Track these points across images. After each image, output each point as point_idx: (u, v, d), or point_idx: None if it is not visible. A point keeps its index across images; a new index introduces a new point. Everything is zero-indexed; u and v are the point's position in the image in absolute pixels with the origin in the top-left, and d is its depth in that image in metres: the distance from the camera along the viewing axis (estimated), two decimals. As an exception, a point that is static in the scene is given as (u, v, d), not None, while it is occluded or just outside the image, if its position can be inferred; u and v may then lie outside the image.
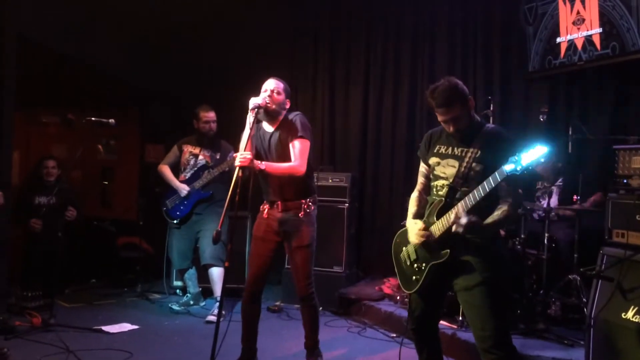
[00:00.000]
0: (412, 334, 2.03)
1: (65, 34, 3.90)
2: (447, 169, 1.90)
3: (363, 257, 4.27)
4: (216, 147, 3.55)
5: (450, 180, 1.87)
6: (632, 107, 3.23)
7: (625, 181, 2.22)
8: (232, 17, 4.24)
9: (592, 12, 3.16)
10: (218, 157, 3.52)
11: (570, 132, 2.94)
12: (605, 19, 3.08)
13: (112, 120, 3.21)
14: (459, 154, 1.88)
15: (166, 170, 3.55)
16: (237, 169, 2.19)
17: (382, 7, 4.36)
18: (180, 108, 4.31)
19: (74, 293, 3.92)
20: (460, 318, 2.80)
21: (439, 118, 1.88)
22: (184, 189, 3.44)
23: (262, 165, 2.30)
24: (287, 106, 2.45)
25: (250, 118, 2.29)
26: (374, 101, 4.37)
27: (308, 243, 2.41)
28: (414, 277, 1.94)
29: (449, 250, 1.82)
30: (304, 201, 2.41)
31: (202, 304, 3.65)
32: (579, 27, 3.24)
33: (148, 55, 4.31)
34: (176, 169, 3.58)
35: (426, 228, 1.87)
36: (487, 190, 1.71)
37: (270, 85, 2.40)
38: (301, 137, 2.36)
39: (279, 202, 2.41)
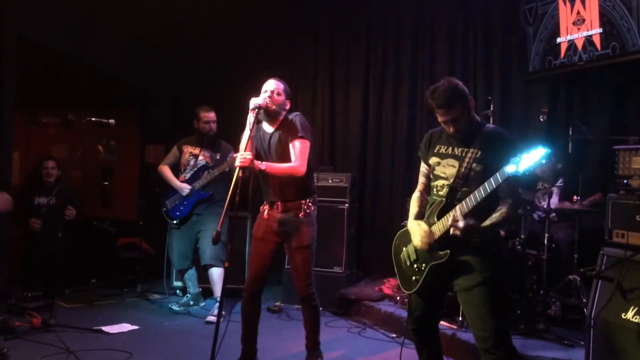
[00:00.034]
0: (412, 334, 2.03)
1: (65, 34, 3.90)
2: (447, 169, 1.90)
3: (363, 257, 4.27)
4: (216, 147, 3.55)
5: (451, 180, 1.87)
6: (632, 108, 3.23)
7: (625, 181, 2.22)
8: (232, 17, 4.24)
9: (592, 12, 3.16)
10: (218, 157, 3.52)
11: (570, 133, 2.94)
12: (605, 19, 3.08)
13: (112, 121, 3.21)
14: (459, 154, 1.88)
15: (166, 171, 3.55)
16: (238, 169, 2.19)
17: (382, 7, 4.36)
18: (180, 108, 4.31)
19: (74, 293, 3.92)
20: (460, 318, 2.80)
21: (439, 119, 1.88)
22: (185, 188, 3.44)
23: (263, 165, 2.30)
24: (287, 107, 2.46)
25: (250, 118, 2.29)
26: (374, 101, 4.37)
27: (308, 243, 2.41)
28: (413, 278, 1.94)
29: (448, 251, 1.82)
30: (303, 202, 2.41)
31: (202, 304, 3.65)
32: (579, 27, 3.24)
33: (148, 55, 4.31)
34: (176, 170, 3.58)
35: (430, 231, 1.87)
36: (488, 191, 1.71)
37: (271, 85, 2.40)
38: (301, 137, 2.36)
39: (279, 203, 2.41)
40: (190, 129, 3.61)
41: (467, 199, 1.76)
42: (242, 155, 2.23)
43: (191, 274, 3.63)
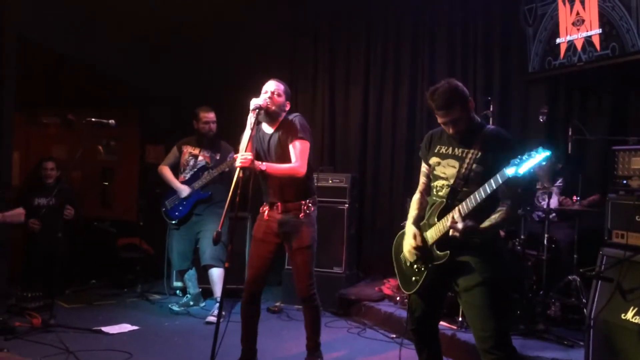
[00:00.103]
0: (412, 334, 2.03)
1: (65, 34, 3.90)
2: (447, 169, 1.90)
3: (363, 257, 4.27)
4: (216, 147, 3.55)
5: (451, 180, 1.87)
6: (631, 108, 3.24)
7: (624, 182, 2.22)
8: (232, 17, 4.23)
9: (591, 12, 3.16)
10: (218, 157, 3.51)
11: (569, 133, 2.94)
12: (604, 20, 3.08)
13: (112, 121, 3.21)
14: (460, 154, 1.88)
15: (166, 171, 3.55)
16: (238, 169, 2.19)
17: (382, 7, 4.36)
18: (180, 108, 4.31)
19: (74, 294, 3.91)
20: (460, 319, 2.80)
21: (439, 120, 1.89)
22: (184, 190, 3.44)
23: (263, 166, 2.30)
24: (287, 108, 2.46)
25: (251, 119, 2.30)
26: (374, 101, 4.37)
27: (308, 244, 2.41)
28: (413, 278, 1.94)
29: (448, 252, 1.82)
30: (303, 202, 2.41)
31: (202, 304, 3.65)
32: (578, 27, 3.24)
33: (148, 55, 4.30)
34: (176, 170, 3.58)
35: (423, 241, 1.87)
36: (488, 192, 1.71)
37: (271, 86, 2.40)
38: (301, 138, 2.36)
39: (279, 204, 2.41)
40: (190, 129, 3.61)
41: (467, 200, 1.77)
42: (243, 156, 2.23)
43: (191, 275, 3.63)
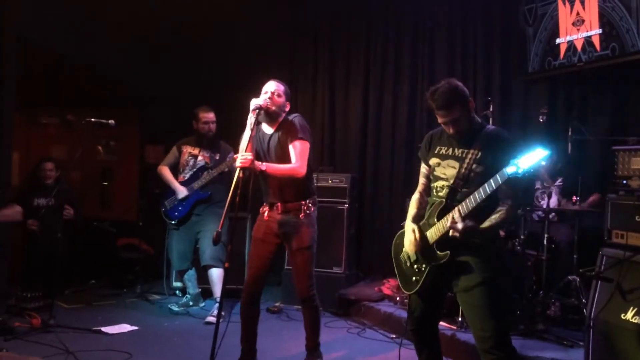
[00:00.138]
0: (412, 334, 2.03)
1: (65, 34, 3.90)
2: (447, 170, 1.90)
3: (363, 258, 4.27)
4: (215, 147, 3.55)
5: (451, 181, 1.87)
6: (631, 108, 3.24)
7: (624, 182, 2.22)
8: (232, 17, 4.24)
9: (591, 13, 3.16)
10: (217, 157, 3.51)
11: (569, 133, 2.94)
12: (604, 20, 3.08)
13: (111, 121, 3.20)
14: (460, 155, 1.88)
15: (165, 171, 3.55)
16: (238, 169, 2.19)
17: (382, 7, 4.36)
18: (180, 108, 4.31)
19: (74, 294, 3.91)
20: (460, 319, 2.80)
21: (439, 120, 1.89)
22: (182, 191, 3.44)
23: (263, 166, 2.30)
24: (287, 108, 2.46)
25: (251, 119, 2.30)
26: (374, 101, 4.37)
27: (308, 244, 2.41)
28: (413, 278, 1.94)
29: (449, 252, 1.82)
30: (303, 202, 2.41)
31: (202, 305, 3.65)
32: (578, 28, 3.24)
33: (148, 55, 4.30)
34: (175, 170, 3.58)
35: (422, 236, 1.87)
36: (488, 192, 1.71)
37: (271, 87, 2.41)
38: (301, 138, 2.36)
39: (279, 204, 2.41)
40: (190, 129, 3.61)
41: (467, 200, 1.77)
42: (243, 156, 2.22)
43: (191, 275, 3.63)
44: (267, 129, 2.44)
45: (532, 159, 1.62)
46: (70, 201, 3.81)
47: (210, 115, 3.51)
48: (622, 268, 2.00)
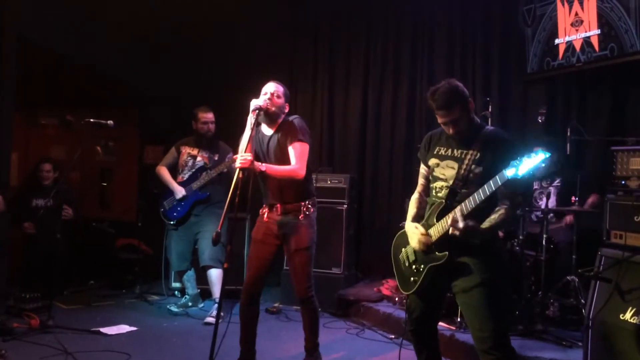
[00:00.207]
0: (411, 335, 2.03)
1: (65, 34, 3.90)
2: (446, 171, 1.90)
3: (362, 258, 4.27)
4: (214, 148, 3.54)
5: (450, 182, 1.87)
6: (630, 109, 3.24)
7: (623, 182, 2.23)
8: (232, 17, 4.24)
9: (590, 13, 3.17)
10: (216, 158, 3.51)
11: (568, 134, 2.95)
12: (603, 21, 3.09)
13: (110, 122, 3.20)
14: (459, 155, 1.88)
15: (164, 172, 3.55)
16: (238, 170, 2.19)
17: (382, 7, 4.37)
18: (180, 108, 4.31)
19: (73, 294, 3.91)
20: (459, 319, 2.80)
21: (439, 120, 1.89)
22: (180, 191, 3.44)
23: (263, 167, 2.30)
24: (286, 110, 2.46)
25: (251, 119, 2.30)
26: (373, 102, 4.38)
27: (307, 245, 2.41)
28: (412, 279, 1.94)
29: (447, 253, 1.82)
30: (303, 204, 2.41)
31: (201, 305, 3.64)
32: (577, 28, 3.25)
33: (148, 55, 4.31)
34: (174, 170, 3.58)
35: (427, 233, 1.87)
36: (487, 193, 1.72)
37: (271, 88, 2.41)
38: (300, 140, 2.36)
39: (278, 205, 2.41)
40: (189, 130, 3.61)
41: (467, 200, 1.77)
42: (242, 157, 2.22)
43: (190, 275, 3.63)
44: (266, 130, 2.45)
45: (531, 161, 1.62)
46: (70, 201, 3.81)
47: (210, 116, 3.51)
48: (621, 268, 2.00)
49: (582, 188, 2.90)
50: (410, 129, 4.20)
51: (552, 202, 3.16)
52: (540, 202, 3.15)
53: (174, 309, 3.55)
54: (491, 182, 1.70)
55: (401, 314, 3.10)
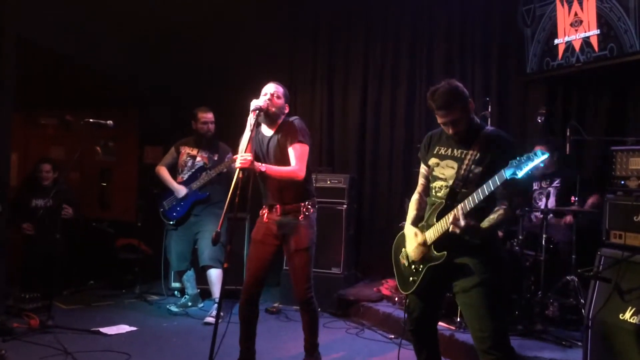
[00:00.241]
0: (411, 335, 2.03)
1: (65, 34, 3.90)
2: (446, 170, 1.90)
3: (361, 258, 4.27)
4: (214, 148, 3.55)
5: (450, 182, 1.87)
6: (629, 109, 3.24)
7: (622, 182, 2.23)
8: (232, 17, 4.24)
9: (589, 13, 3.17)
10: (216, 158, 3.51)
11: (567, 134, 2.95)
12: (603, 21, 3.09)
13: (110, 122, 3.20)
14: (459, 155, 1.89)
15: (163, 172, 3.55)
16: (238, 170, 2.19)
17: (381, 7, 4.37)
18: (180, 109, 4.31)
19: (72, 294, 3.91)
20: (459, 319, 2.81)
21: (439, 120, 1.89)
22: (181, 190, 3.44)
23: (263, 167, 2.30)
24: (286, 111, 2.47)
25: (251, 120, 2.30)
26: (373, 102, 4.38)
27: (307, 246, 2.41)
28: (411, 279, 1.95)
29: (445, 253, 1.83)
30: (303, 204, 2.41)
31: (201, 305, 3.65)
32: (576, 28, 3.25)
33: (148, 55, 4.31)
34: (174, 170, 3.58)
35: (425, 243, 1.88)
36: (487, 193, 1.72)
37: (271, 88, 2.41)
38: (300, 141, 2.37)
39: (278, 206, 2.41)
40: (189, 130, 3.61)
41: (466, 200, 1.77)
42: (242, 157, 2.22)
43: (189, 275, 3.63)
44: (266, 130, 2.45)
45: (531, 162, 1.62)
46: (69, 201, 3.81)
47: (209, 116, 3.51)
48: (620, 268, 2.00)
49: (581, 188, 2.90)
50: (409, 129, 4.20)
51: (551, 203, 3.16)
52: (540, 203, 3.15)
53: (173, 309, 3.55)
54: (490, 182, 1.71)
55: (401, 313, 3.10)
